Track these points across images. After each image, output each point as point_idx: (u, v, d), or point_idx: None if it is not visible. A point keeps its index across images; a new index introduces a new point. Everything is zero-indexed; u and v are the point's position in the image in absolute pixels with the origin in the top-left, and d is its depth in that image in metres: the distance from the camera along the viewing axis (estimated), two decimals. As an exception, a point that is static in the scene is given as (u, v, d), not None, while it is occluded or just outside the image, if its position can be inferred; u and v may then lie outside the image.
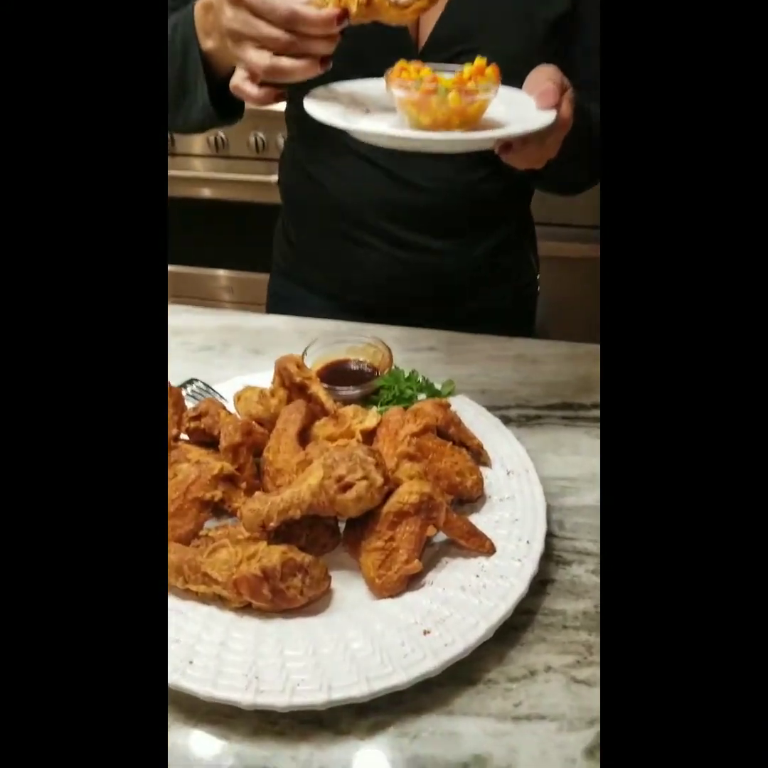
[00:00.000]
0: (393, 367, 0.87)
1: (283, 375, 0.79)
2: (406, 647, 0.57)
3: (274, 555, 0.60)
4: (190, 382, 0.88)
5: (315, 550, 0.66)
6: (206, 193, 2.45)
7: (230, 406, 0.81)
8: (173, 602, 0.61)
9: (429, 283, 1.05)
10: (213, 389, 0.87)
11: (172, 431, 0.73)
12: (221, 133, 2.37)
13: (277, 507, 0.61)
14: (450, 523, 0.65)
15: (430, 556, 0.66)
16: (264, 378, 0.85)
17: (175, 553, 0.61)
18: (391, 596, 0.62)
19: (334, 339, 0.91)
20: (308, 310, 1.08)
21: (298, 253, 1.12)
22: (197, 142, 2.40)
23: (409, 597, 0.62)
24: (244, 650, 0.57)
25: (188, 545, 0.65)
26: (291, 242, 1.13)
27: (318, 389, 0.77)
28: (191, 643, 0.57)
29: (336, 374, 0.89)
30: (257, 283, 1.98)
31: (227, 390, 0.85)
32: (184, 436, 0.76)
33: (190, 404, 0.79)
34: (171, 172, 2.40)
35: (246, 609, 0.61)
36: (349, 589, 0.64)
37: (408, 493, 0.63)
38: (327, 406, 0.76)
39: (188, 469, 0.66)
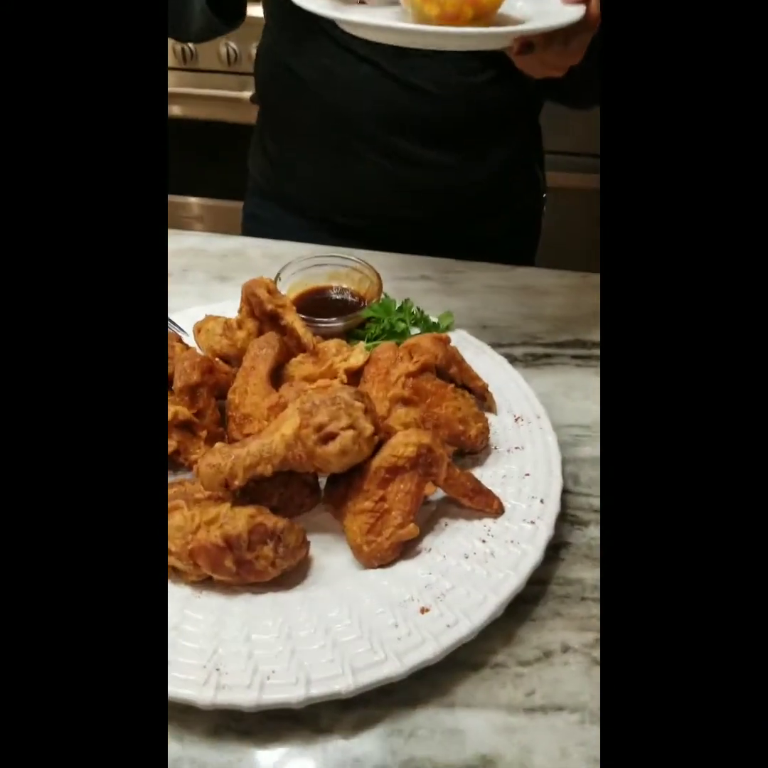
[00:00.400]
0: (382, 297, 0.75)
1: (251, 302, 0.66)
2: (400, 629, 0.48)
3: (239, 520, 0.49)
4: (144, 311, 0.75)
5: (290, 511, 0.55)
6: (174, 110, 2.23)
7: (190, 340, 0.69)
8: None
9: (428, 203, 0.92)
10: (170, 320, 0.74)
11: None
12: (190, 44, 2.15)
13: (243, 462, 0.50)
14: (452, 479, 0.54)
15: (426, 517, 0.56)
16: (230, 307, 0.72)
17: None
18: (382, 566, 0.52)
19: (313, 262, 0.78)
20: (288, 234, 0.94)
21: (278, 169, 0.98)
22: (162, 52, 2.17)
23: (402, 567, 0.52)
24: (202, 635, 0.47)
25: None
26: (269, 156, 0.98)
27: (294, 319, 0.65)
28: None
29: (315, 304, 0.76)
30: (232, 211, 1.80)
31: (186, 321, 0.72)
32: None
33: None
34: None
35: (205, 583, 0.51)
36: (331, 558, 0.54)
37: (403, 444, 0.52)
38: (304, 340, 0.64)
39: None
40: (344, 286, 0.78)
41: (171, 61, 2.18)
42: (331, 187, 0.93)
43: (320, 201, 0.95)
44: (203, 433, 0.57)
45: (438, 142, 0.87)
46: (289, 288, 0.75)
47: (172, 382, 0.60)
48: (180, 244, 0.93)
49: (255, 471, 0.51)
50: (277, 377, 0.63)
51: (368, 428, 0.51)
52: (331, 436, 0.50)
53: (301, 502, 0.56)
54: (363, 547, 0.52)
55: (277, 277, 0.74)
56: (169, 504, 0.50)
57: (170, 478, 0.58)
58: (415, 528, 0.52)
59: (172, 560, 0.49)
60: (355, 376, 0.63)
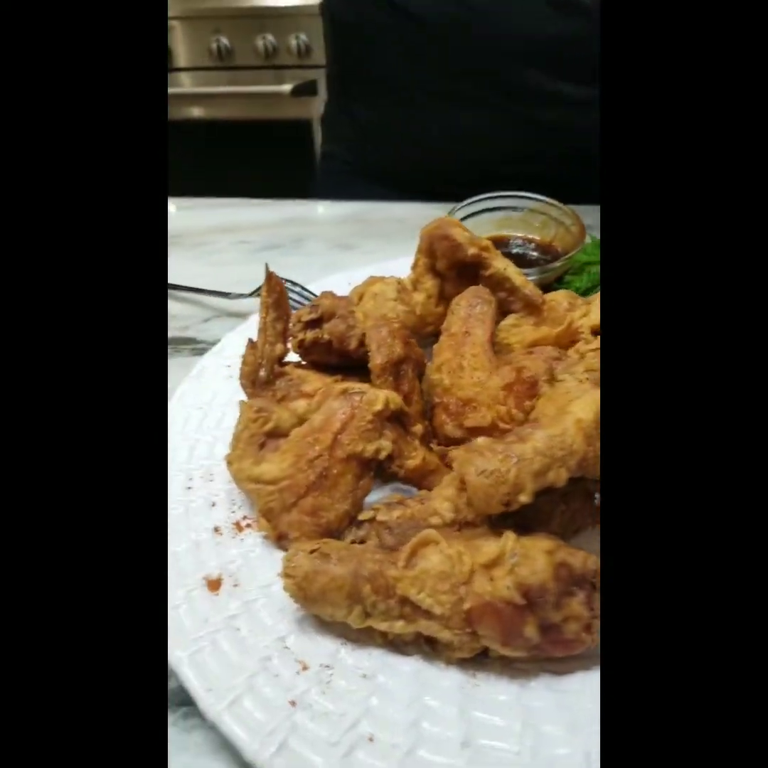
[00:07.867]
0: (587, 239, 0.57)
1: (438, 250, 0.48)
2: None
3: (536, 559, 0.30)
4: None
5: (568, 536, 0.36)
6: (216, 112, 2.09)
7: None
8: (327, 656, 0.32)
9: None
10: (307, 290, 0.57)
11: (276, 348, 0.43)
12: (225, 39, 2.01)
13: (531, 466, 0.31)
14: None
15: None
16: (389, 269, 0.54)
17: (339, 563, 0.32)
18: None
19: (483, 205, 0.60)
20: None
21: (369, 131, 0.81)
22: (197, 54, 2.03)
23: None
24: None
25: (342, 538, 0.35)
26: (359, 124, 0.82)
27: (506, 265, 0.47)
28: (386, 737, 0.28)
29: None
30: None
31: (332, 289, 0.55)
32: (291, 356, 0.46)
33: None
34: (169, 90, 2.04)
35: (473, 663, 0.32)
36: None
37: None
38: (526, 291, 0.46)
39: (333, 406, 0.36)
40: (522, 234, 0.60)
41: (206, 61, 2.06)
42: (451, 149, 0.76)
43: (421, 165, 0.78)
44: (418, 428, 0.39)
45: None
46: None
47: (350, 361, 0.42)
48: (285, 212, 0.76)
49: (545, 479, 0.32)
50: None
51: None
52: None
53: (582, 522, 0.37)
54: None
55: (444, 226, 0.56)
56: (419, 539, 0.32)
57: (378, 495, 0.39)
58: None
59: (433, 628, 0.30)
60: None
